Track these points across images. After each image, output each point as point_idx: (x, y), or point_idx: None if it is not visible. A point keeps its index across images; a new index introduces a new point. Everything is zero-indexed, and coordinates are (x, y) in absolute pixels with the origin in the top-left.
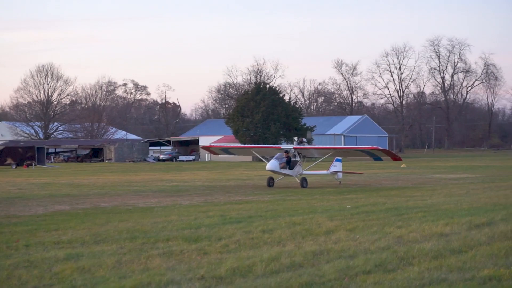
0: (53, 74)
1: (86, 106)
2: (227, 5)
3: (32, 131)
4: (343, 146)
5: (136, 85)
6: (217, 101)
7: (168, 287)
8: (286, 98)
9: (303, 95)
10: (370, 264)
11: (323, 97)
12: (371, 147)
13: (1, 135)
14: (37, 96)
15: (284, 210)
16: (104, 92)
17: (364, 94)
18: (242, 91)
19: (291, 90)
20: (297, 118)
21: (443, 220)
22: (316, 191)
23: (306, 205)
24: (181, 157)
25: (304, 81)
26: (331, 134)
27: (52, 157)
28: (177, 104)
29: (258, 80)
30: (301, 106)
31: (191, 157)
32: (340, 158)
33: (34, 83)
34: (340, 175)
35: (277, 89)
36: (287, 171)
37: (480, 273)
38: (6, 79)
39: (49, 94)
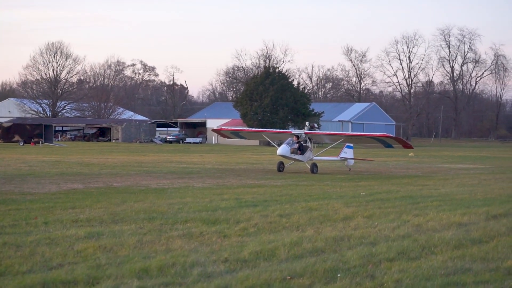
0: (62, 52)
1: (94, 85)
2: None
3: (40, 108)
4: (355, 132)
5: (144, 65)
6: (225, 84)
7: (194, 268)
8: (295, 83)
9: (311, 81)
10: (392, 251)
11: (331, 83)
12: (382, 134)
13: (9, 111)
14: (45, 74)
15: (299, 195)
16: (113, 72)
17: (373, 81)
18: (251, 75)
19: (300, 75)
20: (306, 103)
21: (460, 210)
22: (327, 177)
23: (319, 190)
24: (188, 139)
25: (312, 67)
26: (339, 121)
27: (59, 135)
28: (185, 86)
29: (267, 64)
30: (309, 91)
31: (198, 140)
32: (351, 145)
33: (43, 61)
34: (351, 162)
35: (286, 74)
36: (297, 157)
37: (504, 264)
38: (15, 56)
39: (58, 72)
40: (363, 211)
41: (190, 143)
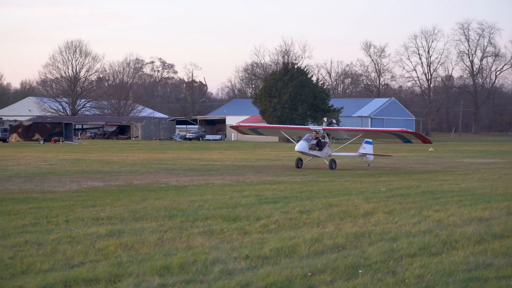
0: (81, 51)
1: (113, 83)
2: None
3: (60, 107)
4: (373, 128)
5: (163, 63)
6: (244, 80)
7: (215, 265)
8: (314, 79)
9: (330, 77)
10: (414, 247)
11: (350, 79)
12: (401, 129)
13: (29, 110)
14: (65, 72)
15: (319, 191)
16: (132, 70)
17: (392, 76)
18: (270, 71)
19: (318, 71)
20: (325, 99)
21: (481, 205)
22: (347, 173)
23: (339, 186)
24: (208, 136)
25: (331, 62)
26: (358, 116)
27: (79, 133)
28: (204, 83)
29: (286, 61)
30: (328, 87)
31: (218, 136)
32: (370, 140)
33: (62, 59)
34: (370, 157)
35: (305, 70)
36: (316, 153)
37: None
38: (34, 54)
39: (77, 70)
40: (383, 207)
41: (209, 140)
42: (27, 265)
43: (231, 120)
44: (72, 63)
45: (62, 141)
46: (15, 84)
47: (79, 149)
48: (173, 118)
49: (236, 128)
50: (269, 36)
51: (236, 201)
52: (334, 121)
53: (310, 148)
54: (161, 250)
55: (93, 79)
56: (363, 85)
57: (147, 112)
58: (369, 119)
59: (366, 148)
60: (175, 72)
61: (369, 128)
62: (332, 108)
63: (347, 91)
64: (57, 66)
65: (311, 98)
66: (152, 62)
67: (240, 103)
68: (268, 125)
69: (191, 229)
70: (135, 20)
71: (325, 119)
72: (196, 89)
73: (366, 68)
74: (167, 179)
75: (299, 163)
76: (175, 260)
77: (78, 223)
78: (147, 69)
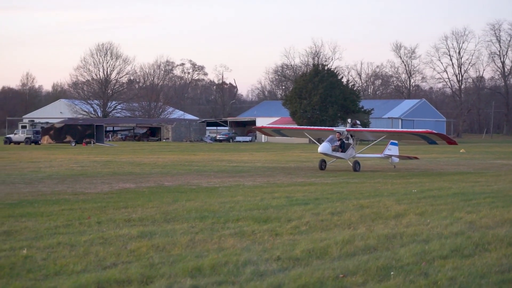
0: (112, 53)
1: (144, 85)
2: None
3: (91, 109)
4: (397, 129)
5: (193, 65)
6: (274, 82)
7: (246, 267)
8: (344, 80)
9: (360, 78)
10: (446, 249)
11: (380, 80)
12: (425, 130)
13: (60, 112)
14: (96, 75)
15: (350, 192)
16: (162, 72)
17: (422, 77)
18: (300, 73)
19: (349, 72)
20: (355, 101)
21: None
22: (378, 175)
23: (370, 188)
24: (238, 138)
25: (361, 64)
26: (388, 118)
27: (110, 135)
28: (234, 84)
29: (316, 62)
30: (358, 88)
31: (248, 138)
32: (396, 141)
33: (93, 62)
34: (396, 159)
35: (335, 71)
36: (339, 154)
37: None
38: (66, 57)
39: (108, 72)
40: (415, 208)
41: (240, 141)
42: (60, 266)
43: (262, 122)
44: (103, 66)
45: (93, 143)
46: (47, 87)
47: (110, 151)
48: (203, 120)
49: (259, 129)
50: (299, 37)
51: (267, 203)
52: (358, 122)
53: (334, 150)
54: (193, 252)
55: (124, 81)
56: (393, 87)
57: (178, 114)
58: (400, 120)
59: (392, 150)
60: (206, 74)
61: (393, 129)
62: (363, 109)
63: (377, 93)
64: (88, 69)
65: (341, 99)
66: (183, 64)
67: (270, 104)
68: (291, 126)
69: (222, 231)
70: (166, 23)
71: (349, 120)
72: (226, 91)
73: (396, 69)
74: (198, 180)
75: (322, 164)
76: (207, 262)
77: (110, 224)
78: (177, 71)
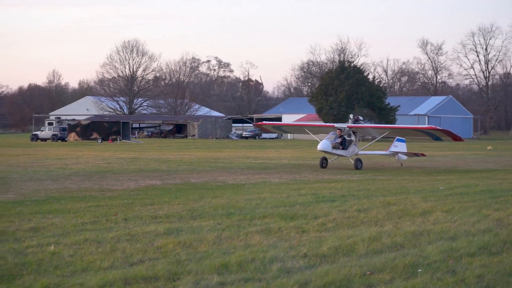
0: (138, 50)
1: (170, 82)
2: None
3: (117, 106)
4: (400, 125)
5: (219, 62)
6: (300, 79)
7: (273, 264)
8: (370, 77)
9: (386, 75)
10: (473, 246)
11: (407, 77)
12: (429, 126)
13: (87, 109)
14: (122, 72)
15: (376, 190)
16: (188, 69)
17: (449, 74)
18: (326, 70)
19: (375, 69)
20: (381, 97)
21: None
22: (405, 172)
23: (397, 185)
24: (264, 135)
25: (387, 60)
26: (415, 115)
27: (136, 132)
28: (260, 81)
29: (342, 59)
30: (384, 85)
31: (274, 135)
32: (403, 138)
33: (119, 59)
34: (403, 156)
35: (361, 68)
36: (340, 152)
37: None
38: (92, 54)
39: (134, 69)
40: (442, 206)
41: (265, 138)
42: (87, 263)
43: (287, 119)
44: (129, 63)
45: (120, 140)
46: (73, 84)
47: (136, 148)
48: (229, 116)
49: (259, 126)
50: (325, 34)
51: (293, 200)
52: (361, 118)
53: (334, 147)
54: (220, 248)
55: (149, 78)
56: (419, 83)
57: (204, 111)
58: (426, 117)
59: (398, 146)
60: (231, 71)
61: (397, 125)
62: (389, 106)
63: (403, 89)
64: (114, 66)
65: (368, 96)
66: (208, 61)
67: (296, 101)
68: (293, 123)
69: (248, 228)
70: (191, 20)
71: (351, 115)
72: (252, 87)
73: (423, 66)
74: (224, 177)
75: (323, 162)
76: (234, 258)
77: (136, 221)
78: (203, 68)
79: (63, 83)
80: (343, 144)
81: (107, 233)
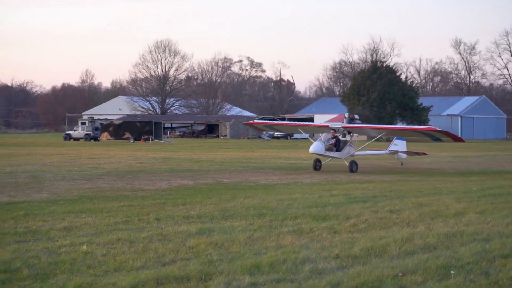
0: (170, 50)
1: (202, 82)
2: None
3: (149, 106)
4: (398, 126)
5: (251, 62)
6: (332, 79)
7: (305, 265)
8: (403, 77)
9: (419, 74)
10: (507, 248)
11: (439, 77)
12: (428, 127)
13: (119, 109)
14: (154, 72)
15: (408, 190)
16: (220, 69)
17: (483, 74)
18: (358, 70)
19: (407, 69)
20: (414, 97)
21: None
22: (437, 172)
23: (429, 186)
24: (296, 135)
25: (420, 60)
26: (448, 115)
27: (168, 132)
28: (292, 81)
29: (374, 59)
30: (417, 85)
31: (306, 135)
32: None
33: (152, 59)
34: (403, 155)
35: (393, 68)
36: (333, 154)
37: None
38: (125, 54)
39: (166, 69)
40: (475, 207)
41: (297, 138)
42: (119, 263)
43: (319, 119)
44: (161, 62)
45: (152, 140)
46: (106, 84)
47: (169, 147)
48: (261, 116)
49: (250, 125)
50: (357, 34)
51: (325, 200)
52: (357, 117)
53: (327, 149)
54: (251, 249)
55: (182, 78)
56: (452, 83)
57: (236, 111)
58: (459, 117)
59: (398, 145)
60: (263, 71)
61: (395, 126)
62: (421, 106)
63: (436, 89)
64: (147, 66)
65: (400, 96)
66: (240, 61)
67: (328, 101)
68: (284, 122)
69: (280, 228)
70: (224, 19)
71: (346, 114)
72: (284, 87)
73: (456, 65)
74: (256, 177)
75: (317, 165)
76: (265, 259)
77: (168, 221)
78: (235, 68)
79: (96, 82)
80: (337, 145)
81: (140, 233)
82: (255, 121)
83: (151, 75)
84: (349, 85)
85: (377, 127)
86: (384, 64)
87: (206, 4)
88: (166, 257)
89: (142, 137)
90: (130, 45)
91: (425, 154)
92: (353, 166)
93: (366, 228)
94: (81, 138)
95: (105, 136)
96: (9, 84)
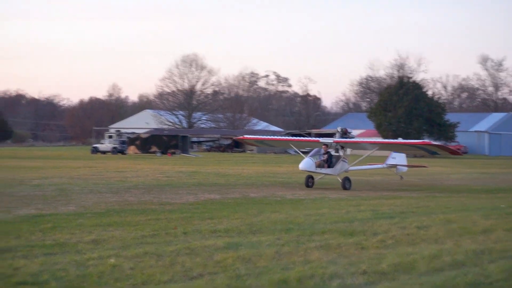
0: (197, 64)
1: (228, 97)
2: None
3: (176, 120)
4: (391, 140)
5: (277, 76)
6: (359, 94)
7: (332, 280)
8: (429, 93)
9: (445, 90)
10: None
11: (466, 93)
12: (423, 142)
13: (146, 123)
14: (181, 86)
15: (436, 207)
16: (247, 83)
17: (510, 90)
18: (385, 85)
19: (434, 85)
20: (440, 113)
21: None
22: (464, 188)
23: (457, 202)
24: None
25: (447, 76)
26: (475, 131)
27: (194, 146)
28: (318, 96)
29: (401, 74)
30: (444, 101)
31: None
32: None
33: (178, 73)
34: (403, 168)
35: (420, 83)
36: (325, 170)
37: None
38: (152, 68)
39: (193, 83)
40: (503, 224)
41: None
42: (147, 276)
43: None
44: (188, 77)
45: (179, 154)
46: (133, 97)
47: (195, 161)
48: (288, 131)
49: (241, 140)
50: (384, 50)
51: (352, 216)
52: (350, 130)
53: (318, 166)
54: (279, 264)
55: (208, 92)
56: (480, 100)
57: (262, 125)
58: (487, 134)
59: (396, 158)
60: (290, 86)
61: (388, 140)
62: (448, 122)
63: (463, 106)
64: (174, 80)
65: (427, 112)
66: (267, 76)
67: (355, 117)
68: (275, 137)
69: (308, 243)
70: (250, 35)
71: (338, 129)
72: (310, 102)
73: (483, 82)
74: (283, 192)
75: (309, 181)
76: (293, 274)
77: (196, 235)
78: (261, 83)
79: (123, 96)
80: (329, 161)
81: (167, 246)
82: (245, 136)
83: (178, 89)
84: (375, 101)
85: (371, 142)
86: (411, 80)
87: (232, 19)
88: (194, 271)
89: (169, 151)
90: (157, 59)
91: (425, 167)
92: (346, 183)
93: (393, 244)
94: (108, 152)
95: (132, 149)
96: (36, 97)
